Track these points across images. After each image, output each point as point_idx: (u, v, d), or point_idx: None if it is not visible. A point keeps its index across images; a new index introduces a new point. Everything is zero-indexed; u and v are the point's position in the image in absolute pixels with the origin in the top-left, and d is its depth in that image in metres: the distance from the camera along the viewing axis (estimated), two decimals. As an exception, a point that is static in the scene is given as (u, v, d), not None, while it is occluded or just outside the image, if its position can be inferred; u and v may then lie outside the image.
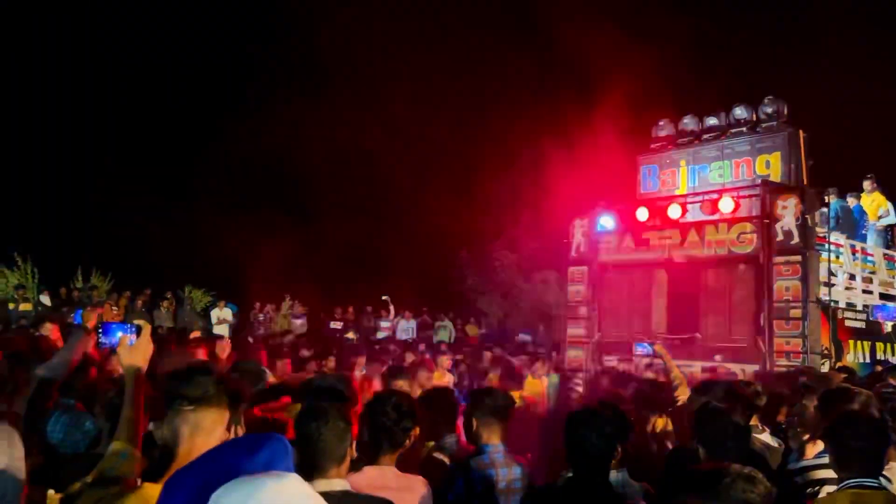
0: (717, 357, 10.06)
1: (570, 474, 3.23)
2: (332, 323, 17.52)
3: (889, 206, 13.16)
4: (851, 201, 12.48)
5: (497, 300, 22.18)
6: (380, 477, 3.06)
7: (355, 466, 2.90)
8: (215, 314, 16.67)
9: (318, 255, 19.76)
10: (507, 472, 3.29)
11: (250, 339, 13.84)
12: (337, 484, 2.54)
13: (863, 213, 12.56)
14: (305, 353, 10.50)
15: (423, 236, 21.76)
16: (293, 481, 1.30)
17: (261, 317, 18.23)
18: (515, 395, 6.79)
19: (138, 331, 2.52)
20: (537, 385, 8.58)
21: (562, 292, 12.83)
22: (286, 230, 19.53)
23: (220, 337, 9.25)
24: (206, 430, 2.11)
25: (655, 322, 11.05)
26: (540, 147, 15.20)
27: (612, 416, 3.03)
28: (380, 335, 16.86)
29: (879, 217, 12.88)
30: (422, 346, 11.50)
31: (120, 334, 2.51)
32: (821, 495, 3.13)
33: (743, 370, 9.54)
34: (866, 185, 13.01)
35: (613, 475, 3.11)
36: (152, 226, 19.31)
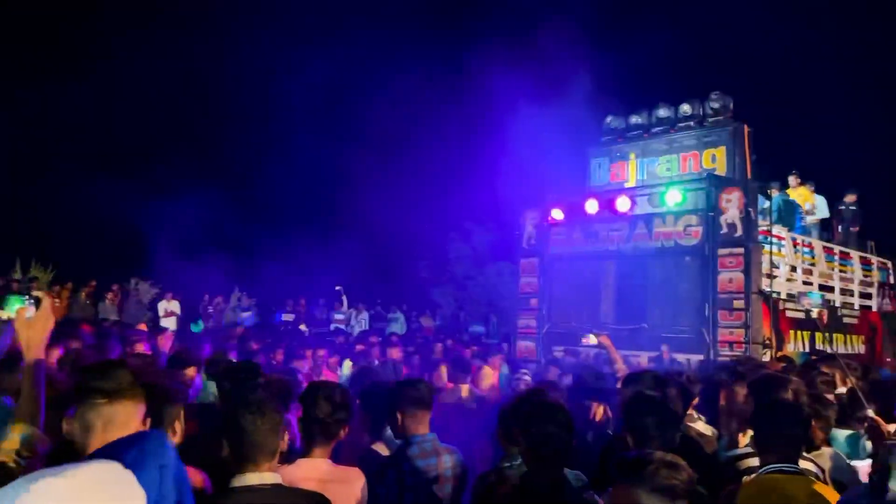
0: (663, 347, 10.24)
1: (515, 464, 3.24)
2: (283, 315, 17.31)
3: (816, 200, 13.59)
4: (774, 192, 12.78)
5: (451, 292, 22.22)
6: (314, 469, 3.02)
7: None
8: (162, 306, 16.29)
9: (269, 247, 19.49)
10: (437, 462, 3.27)
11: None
12: (268, 477, 2.50)
13: (792, 206, 12.93)
14: (254, 345, 10.36)
15: (376, 228, 21.63)
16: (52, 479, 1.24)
17: (210, 309, 17.91)
18: (465, 387, 6.83)
19: (37, 303, 2.41)
20: (493, 376, 8.62)
21: (514, 284, 12.91)
22: (237, 222, 19.22)
23: (164, 329, 9.05)
24: (119, 424, 2.04)
25: (604, 313, 11.19)
26: (492, 139, 15.22)
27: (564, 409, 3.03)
28: (333, 327, 16.71)
29: (806, 212, 13.30)
30: (373, 339, 11.40)
31: (17, 306, 2.38)
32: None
33: (688, 360, 9.73)
34: (791, 180, 13.39)
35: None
36: (97, 216, 18.76)
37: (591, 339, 6.14)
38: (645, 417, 2.98)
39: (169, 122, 22.31)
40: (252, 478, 2.45)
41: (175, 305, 16.36)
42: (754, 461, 3.11)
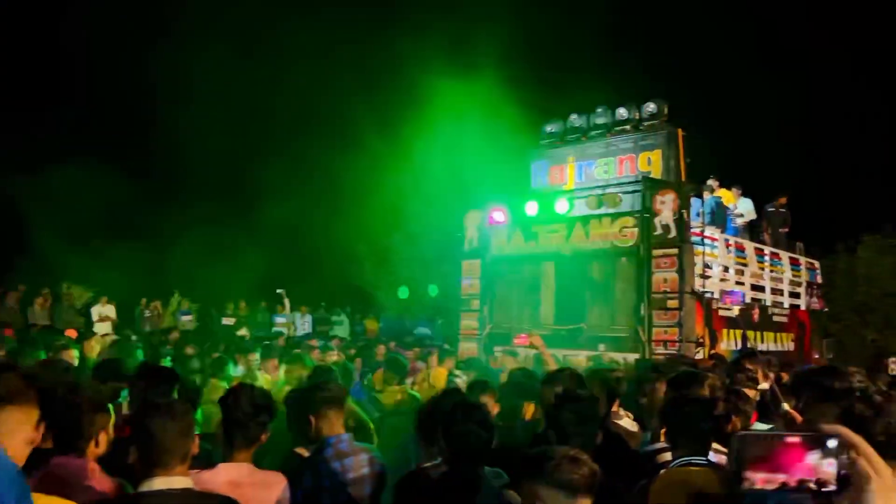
0: (601, 346, 10.43)
1: (436, 463, 3.26)
2: (223, 319, 16.99)
3: (742, 203, 14.07)
4: (707, 195, 13.18)
5: (396, 293, 22.15)
6: (233, 473, 2.98)
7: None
8: (96, 311, 15.81)
9: (209, 249, 19.09)
10: (353, 462, 3.27)
11: (133, 338, 13.24)
12: (178, 482, 2.45)
13: (724, 208, 13.35)
14: (189, 350, 10.16)
15: (321, 230, 21.44)
16: None
17: (147, 313, 17.46)
18: (400, 389, 6.83)
19: None
20: (441, 378, 8.63)
21: (457, 285, 12.97)
22: (174, 222, 18.76)
23: (93, 335, 8.80)
24: (8, 431, 1.98)
25: (544, 313, 11.34)
26: (435, 142, 15.26)
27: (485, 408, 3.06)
28: (275, 330, 16.48)
29: (737, 214, 13.79)
30: (314, 342, 11.29)
31: None
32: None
33: (625, 358, 9.92)
34: (712, 183, 13.83)
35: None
36: (27, 217, 18.08)
37: (523, 340, 6.22)
38: (565, 415, 3.03)
39: (94, 118, 21.65)
40: (160, 482, 2.39)
41: (110, 310, 15.91)
42: (669, 455, 3.20)
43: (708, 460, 2.87)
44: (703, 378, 3.56)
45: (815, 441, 1.15)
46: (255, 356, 8.06)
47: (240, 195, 22.16)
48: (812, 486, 1.15)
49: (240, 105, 20.85)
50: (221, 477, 2.94)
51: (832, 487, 1.15)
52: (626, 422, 4.45)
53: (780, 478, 1.15)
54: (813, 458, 1.16)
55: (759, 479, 1.16)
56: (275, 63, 20.54)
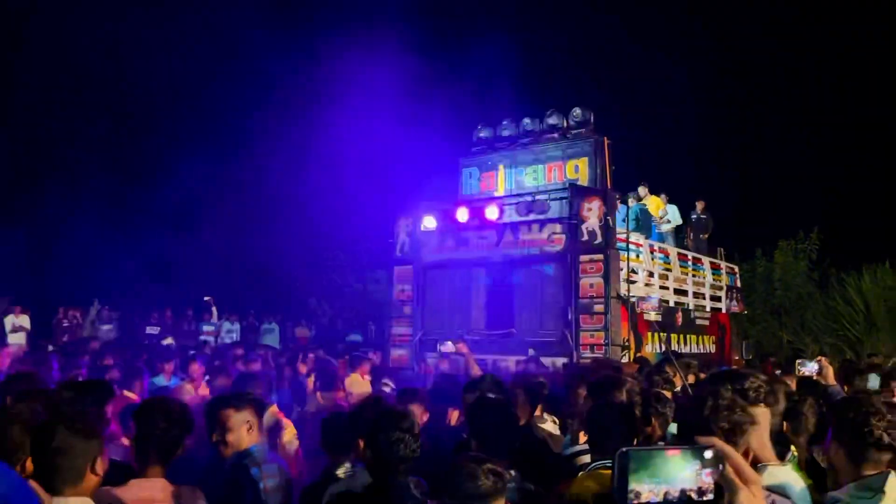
0: (531, 351, 10.55)
1: (349, 471, 3.23)
2: (147, 328, 16.43)
3: (668, 209, 14.55)
4: (632, 202, 13.59)
5: (328, 300, 21.93)
6: (146, 489, 2.88)
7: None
8: (9, 321, 15.05)
9: (133, 256, 18.47)
10: (259, 473, 3.23)
11: (50, 348, 12.67)
12: (73, 502, 2.35)
13: (648, 214, 13.77)
14: (108, 361, 9.79)
15: (250, 236, 21.03)
16: None
17: (65, 323, 16.73)
18: (327, 396, 6.75)
19: None
20: (365, 385, 8.55)
21: (389, 291, 12.92)
22: (94, 227, 18.08)
23: (6, 346, 8.39)
24: None
25: (475, 319, 11.40)
26: (368, 148, 15.22)
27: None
28: (201, 339, 16.04)
29: (660, 219, 14.23)
30: (239, 351, 11.03)
31: None
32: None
33: (553, 363, 10.08)
34: (641, 190, 14.26)
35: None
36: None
37: (449, 347, 6.25)
38: (485, 421, 3.05)
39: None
40: (56, 502, 2.29)
41: (24, 320, 15.17)
42: (588, 458, 3.26)
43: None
44: (622, 383, 3.65)
45: (694, 452, 1.22)
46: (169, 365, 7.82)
47: (167, 201, 21.53)
48: (693, 495, 1.21)
49: (165, 108, 20.31)
50: (132, 493, 2.84)
51: (710, 496, 1.23)
52: (550, 425, 4.52)
53: (664, 489, 1.21)
54: (692, 468, 1.22)
55: (644, 492, 1.21)
56: (198, 72, 20.09)
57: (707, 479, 1.22)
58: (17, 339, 14.16)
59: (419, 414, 4.55)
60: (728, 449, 1.22)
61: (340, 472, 3.17)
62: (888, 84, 24.93)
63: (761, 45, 27.20)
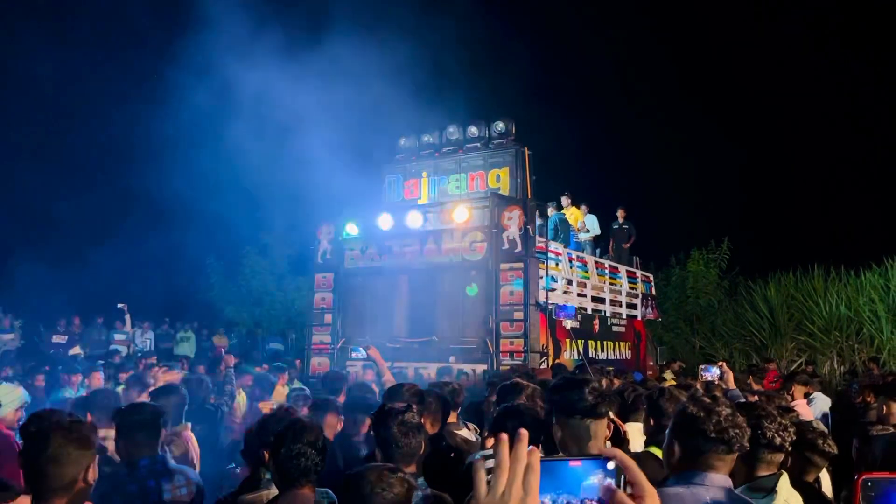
0: (452, 358, 10.61)
1: (262, 483, 3.16)
2: (54, 337, 15.64)
3: (587, 219, 14.97)
4: (551, 211, 13.91)
5: (248, 308, 21.42)
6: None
7: None
8: None
9: (39, 260, 17.55)
10: (169, 483, 3.13)
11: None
12: None
13: (567, 224, 14.12)
14: (9, 370, 9.33)
15: (166, 241, 20.33)
16: None
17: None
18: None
19: None
20: (282, 394, 8.42)
21: (309, 298, 12.74)
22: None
23: None
24: None
25: (397, 326, 11.36)
26: (289, 152, 14.95)
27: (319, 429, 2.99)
28: (112, 348, 15.39)
29: (579, 230, 14.63)
30: (153, 360, 10.68)
31: None
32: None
33: (474, 370, 10.17)
34: (564, 201, 14.63)
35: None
36: None
37: (361, 353, 6.21)
38: (388, 429, 3.04)
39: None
40: None
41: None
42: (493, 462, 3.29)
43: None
44: (522, 388, 3.71)
45: (597, 463, 1.24)
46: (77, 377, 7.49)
47: (79, 199, 20.59)
48: None
49: (78, 105, 19.45)
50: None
51: None
52: (466, 432, 4.54)
53: (565, 499, 1.22)
54: (595, 479, 1.24)
55: (547, 502, 1.22)
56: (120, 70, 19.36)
57: (601, 489, 1.22)
58: None
59: (334, 424, 4.50)
60: (628, 460, 1.24)
61: (255, 483, 3.11)
62: (802, 95, 26.34)
63: (671, 53, 28.26)
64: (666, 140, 27.81)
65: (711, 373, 5.67)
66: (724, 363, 5.82)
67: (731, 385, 5.41)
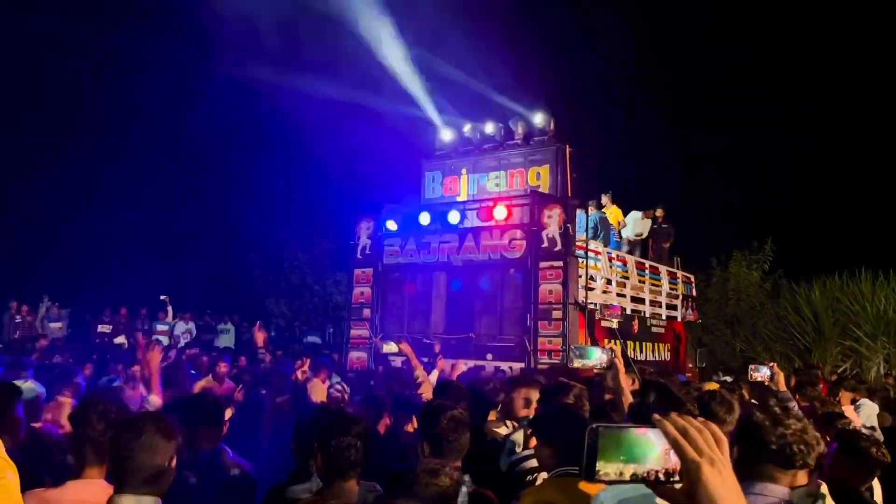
0: (489, 355, 10.61)
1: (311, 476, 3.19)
2: (99, 326, 16.04)
3: (626, 219, 14.79)
4: (591, 210, 13.76)
5: (287, 302, 21.70)
6: (85, 490, 2.81)
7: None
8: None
9: (87, 252, 18.05)
10: (225, 476, 3.20)
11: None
12: (145, 502, 2.35)
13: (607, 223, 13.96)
14: (58, 358, 9.59)
15: (209, 235, 20.73)
16: None
17: (17, 319, 16.25)
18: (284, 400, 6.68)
19: None
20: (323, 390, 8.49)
21: (349, 294, 12.86)
22: (46, 222, 17.64)
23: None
24: None
25: (434, 323, 11.41)
26: (332, 149, 15.13)
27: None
28: (154, 339, 15.70)
29: (620, 229, 14.46)
30: (195, 350, 10.87)
31: None
32: (537, 482, 3.36)
33: (511, 367, 10.14)
34: (604, 199, 14.47)
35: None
36: None
37: (392, 347, 6.24)
38: (437, 424, 3.06)
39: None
40: (129, 500, 2.36)
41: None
42: (535, 462, 3.28)
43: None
44: (569, 388, 3.68)
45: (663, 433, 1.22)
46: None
47: (125, 196, 21.11)
48: (661, 476, 1.21)
49: (125, 106, 19.90)
50: (69, 495, 2.77)
51: (677, 478, 1.21)
52: (505, 430, 4.54)
53: (631, 468, 1.20)
54: (660, 449, 1.21)
55: (612, 471, 1.20)
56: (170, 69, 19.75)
57: (675, 459, 1.20)
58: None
59: (383, 419, 4.52)
60: (673, 431, 1.19)
61: (304, 475, 3.15)
62: (842, 95, 25.67)
63: (721, 56, 27.77)
64: (708, 138, 27.35)
65: (762, 372, 5.50)
66: (774, 364, 5.67)
67: (782, 386, 5.27)
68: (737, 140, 26.93)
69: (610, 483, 1.23)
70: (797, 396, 5.72)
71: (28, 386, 4.52)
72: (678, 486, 1.20)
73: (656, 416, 1.23)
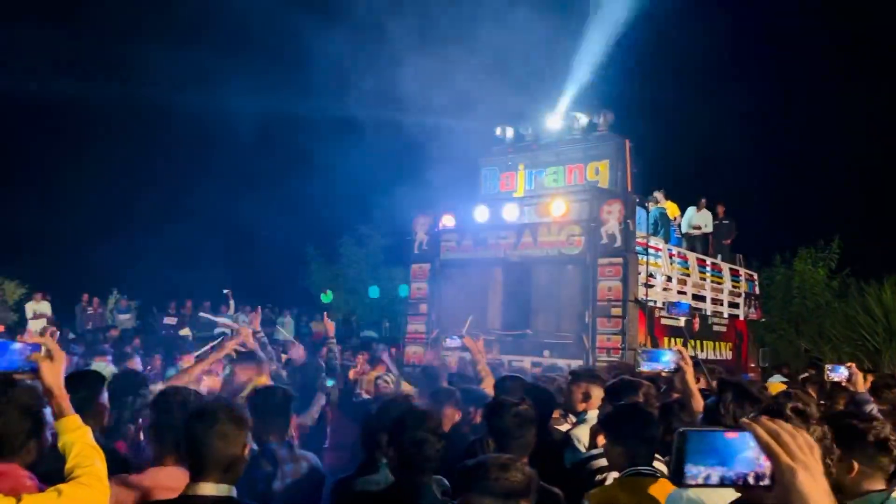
0: (546, 352, 10.54)
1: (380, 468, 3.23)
2: (165, 318, 16.57)
3: (700, 215, 14.46)
4: (651, 205, 13.49)
5: (343, 296, 22.01)
6: (162, 477, 2.91)
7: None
8: (31, 308, 15.25)
9: (153, 247, 18.64)
10: (293, 468, 3.24)
11: (71, 336, 12.84)
12: (222, 489, 2.44)
13: (667, 219, 13.69)
14: (128, 349, 9.92)
15: (269, 230, 21.15)
16: None
17: (89, 310, 16.92)
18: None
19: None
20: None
21: (405, 288, 12.96)
22: (115, 218, 18.28)
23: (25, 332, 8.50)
24: None
25: (491, 319, 11.37)
26: (387, 144, 15.23)
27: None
28: (217, 331, 16.13)
29: (695, 227, 14.15)
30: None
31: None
32: (607, 482, 3.32)
33: (568, 365, 10.04)
34: (658, 195, 14.16)
35: None
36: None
37: (455, 342, 6.25)
38: (503, 420, 3.06)
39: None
40: (207, 488, 2.44)
41: (45, 307, 15.37)
42: (604, 461, 3.25)
43: (654, 470, 2.92)
44: (638, 386, 3.63)
45: (751, 435, 1.20)
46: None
47: (188, 194, 21.73)
48: (750, 480, 1.20)
49: (193, 106, 20.44)
50: (150, 481, 2.87)
51: (767, 482, 1.19)
52: (566, 426, 4.51)
53: (720, 471, 1.19)
54: (750, 452, 1.20)
55: (701, 474, 1.20)
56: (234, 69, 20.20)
57: (765, 463, 1.19)
58: (37, 326, 14.34)
59: (451, 415, 4.53)
60: (765, 436, 1.18)
61: (372, 467, 3.18)
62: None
63: (786, 49, 26.92)
64: (774, 132, 26.56)
65: (839, 373, 5.29)
66: (853, 364, 5.46)
67: (861, 388, 5.07)
68: (804, 136, 26.07)
69: (697, 487, 1.22)
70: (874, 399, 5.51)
71: (110, 370, 4.70)
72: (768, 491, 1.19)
73: (746, 420, 1.23)
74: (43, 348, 2.26)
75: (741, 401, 2.46)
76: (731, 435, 1.21)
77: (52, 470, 2.36)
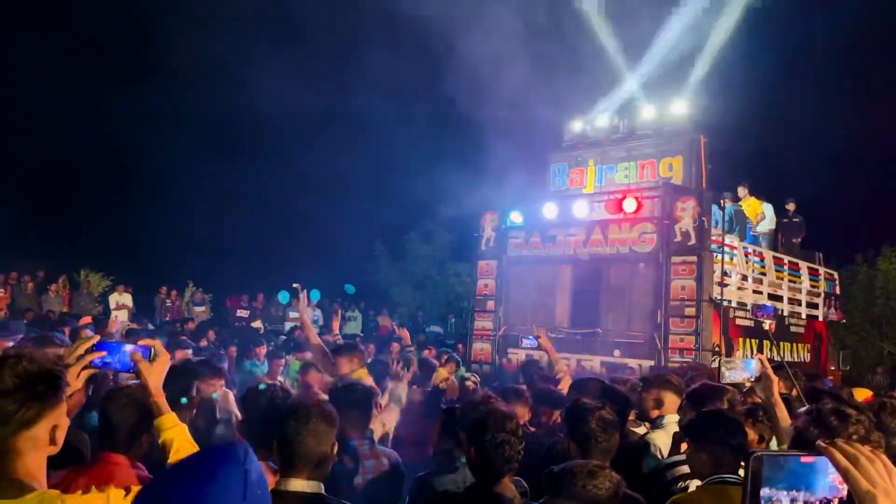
0: (616, 352, 10.37)
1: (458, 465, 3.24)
2: (238, 311, 17.07)
3: (763, 210, 13.91)
4: (726, 202, 13.05)
5: (410, 291, 22.19)
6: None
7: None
8: (114, 299, 15.94)
9: (227, 241, 19.20)
10: (373, 464, 3.27)
11: (151, 327, 13.34)
12: (312, 486, 2.51)
13: (743, 216, 13.23)
14: (204, 341, 10.25)
15: (338, 226, 21.51)
16: None
17: (168, 303, 17.59)
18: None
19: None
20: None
21: (472, 285, 12.96)
22: (194, 213, 18.90)
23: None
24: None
25: (559, 317, 11.27)
26: (456, 140, 15.25)
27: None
28: (287, 325, 16.55)
29: (758, 222, 13.61)
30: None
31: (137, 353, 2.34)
32: (690, 489, 3.25)
33: (640, 365, 9.88)
34: (741, 191, 13.67)
35: None
36: (45, 204, 18.25)
37: (531, 342, 6.20)
38: (586, 425, 3.01)
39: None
40: (297, 484, 2.50)
41: (127, 298, 16.03)
42: (686, 468, 3.17)
43: (740, 477, 2.85)
44: (723, 392, 3.52)
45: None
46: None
47: (259, 191, 22.29)
48: None
49: (256, 99, 20.92)
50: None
51: None
52: (642, 430, 4.44)
53: (795, 496, 1.17)
54: (827, 476, 1.17)
55: (776, 499, 1.17)
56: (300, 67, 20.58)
57: (842, 487, 1.16)
58: (120, 317, 14.97)
59: (523, 414, 4.53)
60: (843, 461, 1.14)
61: (452, 465, 3.19)
62: None
63: (869, 37, 25.64)
64: (855, 127, 25.36)
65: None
66: None
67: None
68: (889, 131, 24.78)
69: None
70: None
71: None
72: None
73: (821, 443, 1.19)
74: (151, 350, 2.34)
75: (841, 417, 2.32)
76: (807, 459, 1.19)
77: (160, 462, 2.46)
